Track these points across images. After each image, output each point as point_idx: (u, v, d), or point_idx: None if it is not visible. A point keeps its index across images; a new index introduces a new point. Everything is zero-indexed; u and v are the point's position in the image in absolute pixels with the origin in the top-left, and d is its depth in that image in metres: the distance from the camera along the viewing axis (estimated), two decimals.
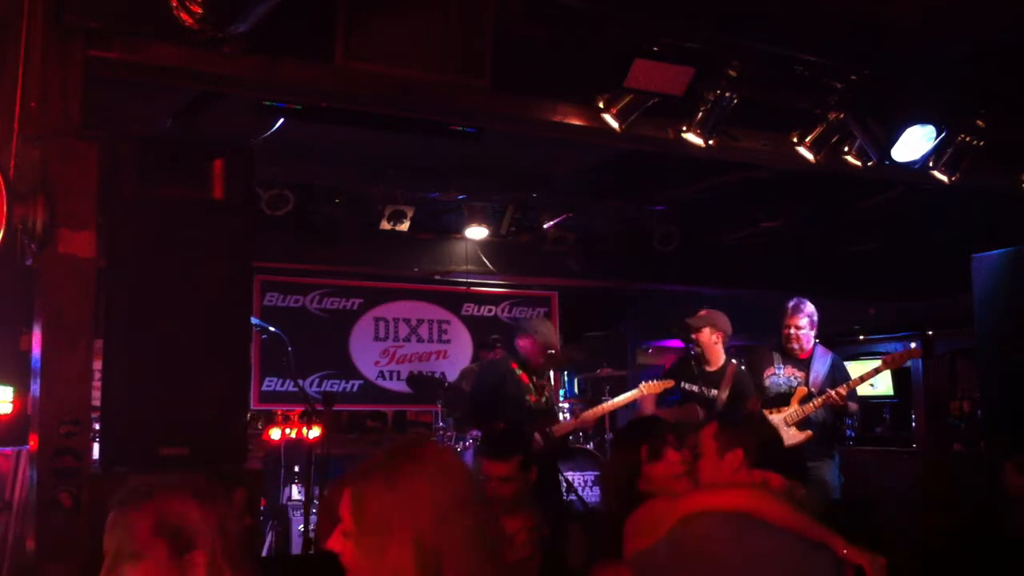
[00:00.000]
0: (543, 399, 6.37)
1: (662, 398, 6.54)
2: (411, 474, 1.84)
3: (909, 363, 10.12)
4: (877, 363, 6.13)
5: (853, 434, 9.97)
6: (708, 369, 6.28)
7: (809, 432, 5.93)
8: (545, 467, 6.11)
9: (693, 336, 6.31)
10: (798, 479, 4.90)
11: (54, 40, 3.58)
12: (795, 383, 6.09)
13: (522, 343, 6.38)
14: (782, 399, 6.07)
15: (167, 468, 3.83)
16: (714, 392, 6.20)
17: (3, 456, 5.10)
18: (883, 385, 10.31)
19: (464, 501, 1.84)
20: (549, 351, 6.40)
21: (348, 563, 1.85)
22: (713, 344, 6.30)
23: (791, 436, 5.92)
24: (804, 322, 6.13)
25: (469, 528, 1.81)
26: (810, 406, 5.93)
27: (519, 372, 6.32)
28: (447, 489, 1.83)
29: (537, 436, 6.09)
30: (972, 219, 7.18)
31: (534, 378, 6.34)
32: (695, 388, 6.26)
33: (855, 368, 6.46)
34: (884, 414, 10.53)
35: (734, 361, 6.35)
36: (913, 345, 6.42)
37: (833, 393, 5.86)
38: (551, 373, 7.15)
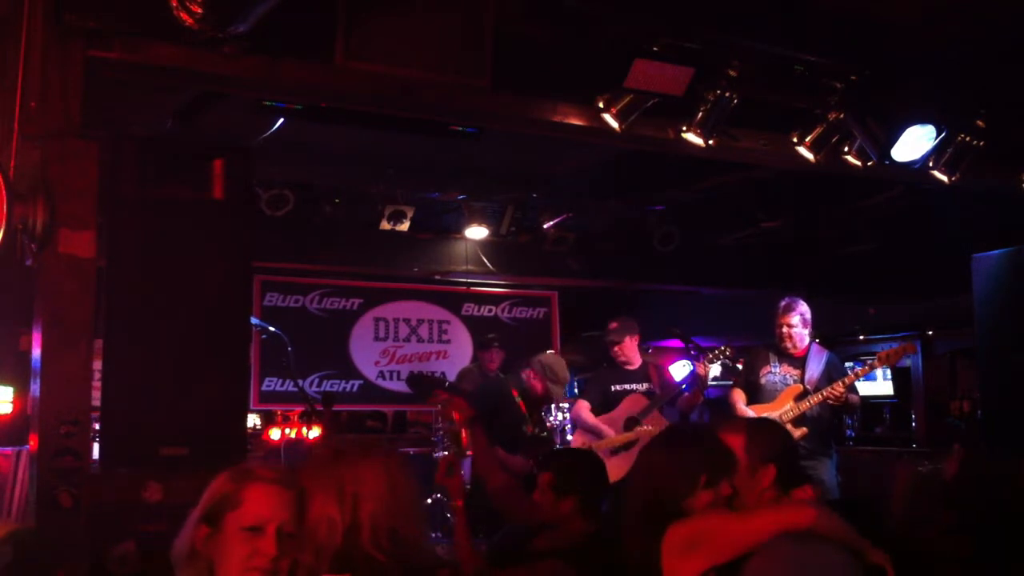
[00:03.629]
0: (538, 430, 6.34)
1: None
2: (347, 458, 2.37)
3: (908, 363, 10.17)
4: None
5: (853, 434, 9.98)
6: (630, 369, 6.64)
7: (805, 429, 5.94)
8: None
9: (616, 348, 6.66)
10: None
11: (54, 40, 3.58)
12: (791, 381, 6.10)
13: (529, 376, 6.36)
14: (777, 396, 6.10)
15: (167, 468, 3.84)
16: (646, 385, 6.57)
17: (3, 456, 5.10)
18: (883, 385, 10.32)
19: (383, 471, 2.34)
20: (551, 392, 6.43)
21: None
22: (633, 347, 6.72)
23: None
24: (796, 320, 6.13)
25: (384, 484, 2.31)
26: (805, 403, 5.93)
27: (518, 400, 6.25)
28: (373, 465, 2.35)
29: (530, 462, 6.03)
30: (972, 219, 7.17)
31: (532, 410, 6.28)
32: (627, 387, 6.59)
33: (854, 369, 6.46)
34: (884, 414, 10.54)
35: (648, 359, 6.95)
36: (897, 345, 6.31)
37: (828, 391, 5.87)
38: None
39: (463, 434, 3.73)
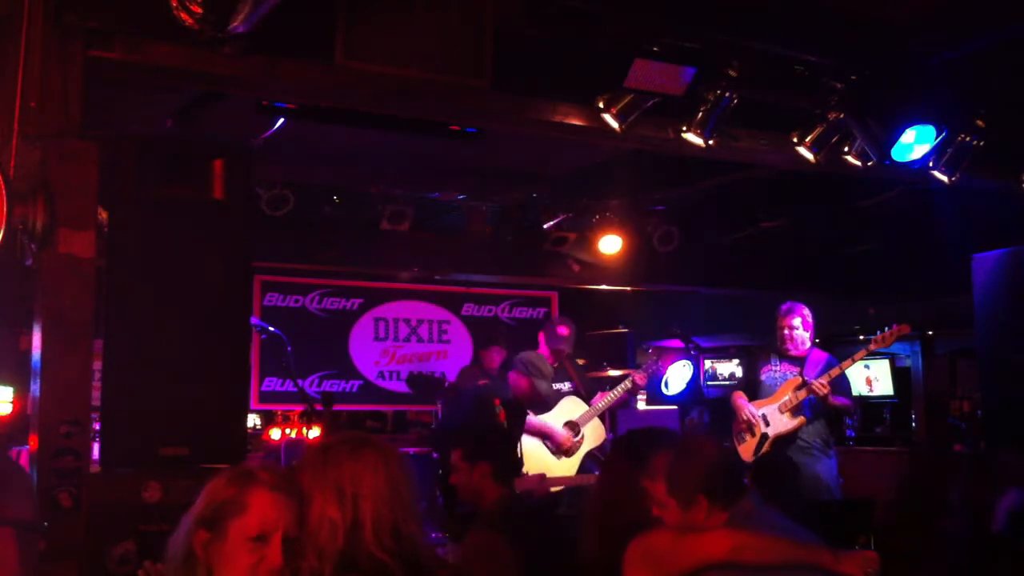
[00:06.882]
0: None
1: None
2: (341, 456, 2.32)
3: (909, 363, 10.17)
4: (879, 361, 6.20)
5: (853, 434, 9.98)
6: (554, 367, 6.67)
7: (802, 419, 6.06)
8: None
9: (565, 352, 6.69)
10: (789, 476, 4.99)
11: (54, 40, 3.58)
12: (790, 377, 6.22)
13: (514, 377, 6.31)
14: (777, 390, 6.19)
15: (167, 468, 3.84)
16: (568, 385, 6.61)
17: None
18: (883, 385, 10.30)
19: (381, 467, 2.30)
20: (538, 388, 6.35)
21: None
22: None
23: (784, 423, 6.09)
24: (797, 322, 6.30)
25: (383, 481, 2.28)
26: (803, 392, 6.04)
27: (499, 410, 6.14)
28: (370, 461, 2.30)
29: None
30: (972, 219, 7.17)
31: (513, 420, 6.13)
32: (555, 385, 6.62)
33: (854, 370, 6.47)
34: (884, 414, 10.53)
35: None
36: (895, 326, 6.21)
37: (815, 383, 5.94)
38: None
39: None
